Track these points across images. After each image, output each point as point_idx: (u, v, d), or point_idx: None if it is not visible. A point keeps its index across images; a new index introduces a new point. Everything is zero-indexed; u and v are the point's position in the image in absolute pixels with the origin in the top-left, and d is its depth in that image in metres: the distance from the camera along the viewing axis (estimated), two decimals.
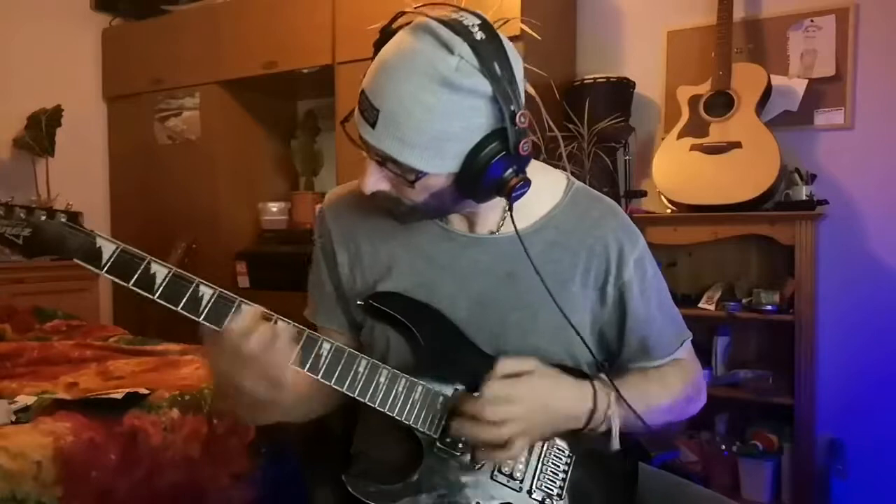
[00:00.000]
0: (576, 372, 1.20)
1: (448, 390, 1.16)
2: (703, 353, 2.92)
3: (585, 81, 3.06)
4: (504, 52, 1.03)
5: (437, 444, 1.15)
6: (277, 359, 1.01)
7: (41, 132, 3.81)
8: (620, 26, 3.30)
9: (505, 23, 2.58)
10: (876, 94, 2.82)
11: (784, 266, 2.81)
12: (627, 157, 3.13)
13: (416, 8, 1.06)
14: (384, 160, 1.06)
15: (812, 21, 2.91)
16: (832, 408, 2.83)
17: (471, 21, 1.02)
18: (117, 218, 4.38)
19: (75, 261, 1.01)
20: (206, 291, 1.04)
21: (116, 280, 1.02)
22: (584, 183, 1.33)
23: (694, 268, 3.08)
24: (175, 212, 3.99)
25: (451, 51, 1.00)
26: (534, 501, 1.17)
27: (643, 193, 3.05)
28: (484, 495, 1.15)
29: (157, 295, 1.03)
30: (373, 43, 1.09)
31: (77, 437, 1.59)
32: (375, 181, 1.09)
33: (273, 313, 1.04)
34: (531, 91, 2.55)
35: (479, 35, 1.01)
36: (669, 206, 2.91)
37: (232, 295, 1.05)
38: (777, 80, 2.89)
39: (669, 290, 1.34)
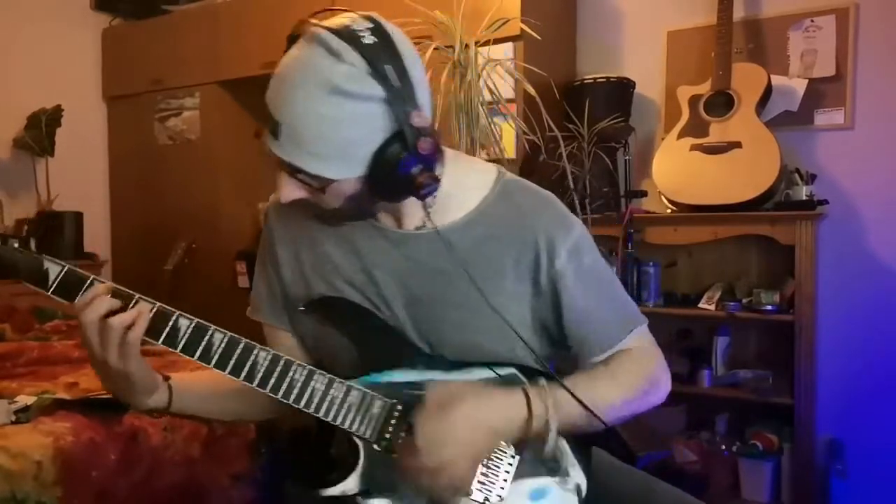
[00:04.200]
0: (506, 378, 1.18)
1: (384, 398, 1.16)
2: (703, 353, 2.93)
3: (585, 81, 3.06)
4: (396, 53, 1.04)
5: (374, 446, 1.15)
6: (114, 325, 1.08)
7: (41, 132, 3.82)
8: (620, 26, 3.30)
9: (505, 23, 2.58)
10: (876, 94, 2.83)
11: (784, 266, 2.81)
12: (627, 157, 3.13)
13: (311, 16, 1.09)
14: (294, 170, 1.08)
15: (812, 21, 2.91)
16: (832, 408, 2.84)
17: (361, 25, 1.04)
18: (117, 218, 4.38)
19: (24, 283, 1.10)
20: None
21: (61, 300, 1.12)
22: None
23: (694, 268, 3.08)
24: (175, 211, 3.99)
25: (340, 59, 1.01)
26: (472, 502, 1.15)
27: (643, 193, 3.05)
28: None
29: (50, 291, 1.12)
30: (283, 52, 1.11)
31: (77, 437, 1.59)
32: (290, 191, 1.12)
33: (133, 293, 1.12)
34: (531, 91, 2.55)
35: (368, 39, 1.03)
36: (669, 206, 2.91)
37: (86, 274, 1.13)
38: (777, 80, 2.89)
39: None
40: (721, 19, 2.86)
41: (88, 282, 1.11)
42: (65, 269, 1.11)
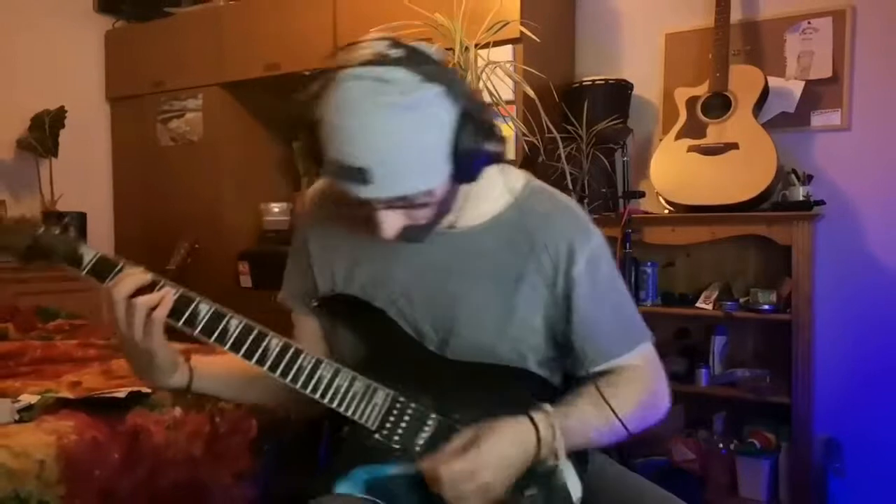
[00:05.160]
0: (510, 405, 1.19)
1: (387, 389, 1.20)
2: (701, 352, 2.94)
3: (584, 83, 3.07)
4: (423, 53, 1.09)
5: (375, 435, 1.19)
6: (140, 303, 1.14)
7: (45, 133, 3.82)
8: (619, 28, 3.31)
9: (504, 26, 2.59)
10: (873, 95, 2.84)
11: (781, 266, 2.82)
12: (625, 159, 3.14)
13: (326, 63, 1.11)
14: (394, 202, 1.10)
15: (809, 23, 2.92)
16: (829, 407, 2.85)
17: (381, 47, 1.07)
18: (120, 219, 4.40)
19: (61, 265, 1.21)
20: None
21: (94, 281, 1.21)
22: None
23: (691, 268, 3.10)
24: (178, 212, 4.00)
25: (387, 83, 1.03)
26: None
27: (641, 194, 3.07)
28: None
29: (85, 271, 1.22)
30: (306, 100, 1.12)
31: (80, 436, 1.60)
32: (392, 225, 1.13)
33: (160, 278, 1.19)
34: (530, 92, 2.57)
35: (396, 54, 1.06)
36: (667, 206, 2.93)
37: (117, 258, 1.22)
38: (774, 81, 2.90)
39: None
40: (718, 21, 2.86)
41: (119, 266, 1.20)
42: (98, 255, 1.20)
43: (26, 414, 1.70)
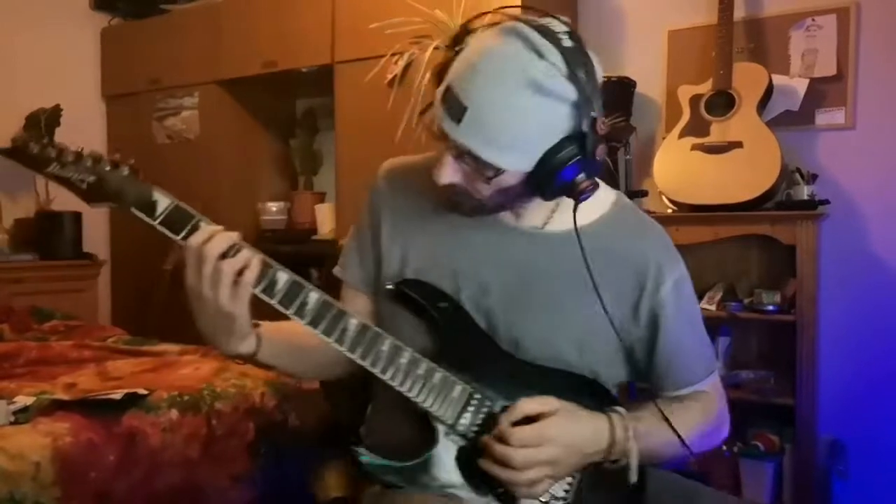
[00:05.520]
0: (597, 397, 1.21)
1: (463, 383, 1.17)
2: None
3: None
4: (589, 60, 1.08)
5: (451, 432, 1.16)
6: (228, 266, 1.07)
7: (40, 131, 3.80)
8: (621, 26, 3.29)
9: None
10: (877, 93, 2.82)
11: (785, 266, 2.80)
12: (628, 157, 3.12)
13: (501, 9, 1.12)
14: (462, 154, 1.10)
15: (813, 20, 2.90)
16: (834, 408, 2.83)
17: (559, 28, 1.07)
18: (116, 218, 4.37)
19: (132, 210, 1.10)
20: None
21: (167, 233, 1.12)
22: (622, 194, 1.34)
23: (695, 268, 2.99)
24: None
25: (541, 56, 1.04)
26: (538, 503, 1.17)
27: (644, 193, 3.05)
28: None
29: (158, 222, 1.12)
30: (452, 37, 1.14)
31: (76, 438, 1.59)
32: (451, 174, 1.13)
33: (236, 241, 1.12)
34: None
35: (567, 42, 1.06)
36: (670, 205, 2.90)
37: (193, 211, 1.14)
38: (778, 79, 2.88)
39: (702, 324, 1.34)
40: (722, 19, 2.84)
41: (196, 219, 1.13)
42: (173, 203, 1.12)
43: (22, 416, 1.69)
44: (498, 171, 1.09)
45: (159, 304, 3.88)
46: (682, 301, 1.27)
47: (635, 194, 3.03)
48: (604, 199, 1.28)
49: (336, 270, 1.37)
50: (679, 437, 1.19)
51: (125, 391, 1.78)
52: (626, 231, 1.27)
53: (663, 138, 2.99)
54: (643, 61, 3.22)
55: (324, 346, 1.15)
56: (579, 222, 1.17)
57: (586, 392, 1.21)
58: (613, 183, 3.05)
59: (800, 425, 2.65)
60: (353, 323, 1.13)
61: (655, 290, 1.23)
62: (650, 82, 3.19)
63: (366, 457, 1.15)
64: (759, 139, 2.72)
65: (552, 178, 1.08)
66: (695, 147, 2.81)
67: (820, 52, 2.89)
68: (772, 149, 2.69)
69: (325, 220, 3.77)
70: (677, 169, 2.84)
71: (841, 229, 2.83)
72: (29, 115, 3.82)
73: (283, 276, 1.11)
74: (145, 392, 1.81)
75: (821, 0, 2.89)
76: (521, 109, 1.05)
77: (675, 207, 2.89)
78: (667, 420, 1.19)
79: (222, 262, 1.07)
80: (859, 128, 2.84)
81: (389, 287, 1.24)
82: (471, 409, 1.17)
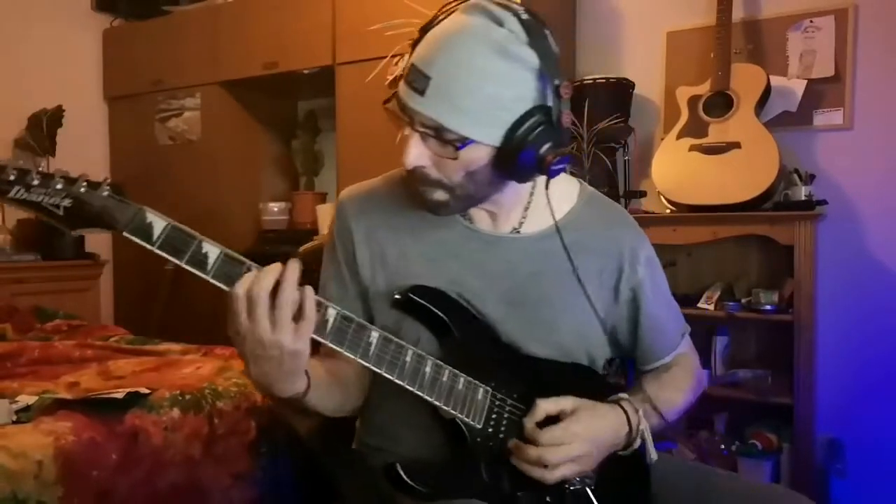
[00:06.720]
0: (598, 385, 1.26)
1: (484, 385, 1.18)
2: (703, 352, 2.91)
3: (585, 82, 3.06)
4: (547, 32, 1.11)
5: (480, 436, 1.17)
6: (284, 299, 0.98)
7: (42, 132, 3.82)
8: (620, 27, 3.30)
9: None
10: (875, 94, 2.83)
11: (783, 266, 2.81)
12: (627, 158, 3.13)
13: None
14: (429, 132, 1.09)
15: (811, 21, 2.91)
16: (831, 407, 2.84)
17: (517, 7, 1.10)
18: None
19: (125, 234, 0.97)
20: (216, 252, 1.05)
21: (167, 257, 1.00)
22: (584, 183, 1.37)
23: (693, 268, 3.09)
24: (176, 212, 3.86)
25: (501, 24, 1.07)
26: (568, 488, 1.20)
27: (642, 194, 3.06)
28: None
29: (210, 275, 1.01)
30: (419, 28, 1.15)
31: (78, 437, 1.59)
32: (417, 155, 1.12)
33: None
34: None
35: (525, 16, 1.09)
36: (669, 206, 2.91)
37: (241, 258, 1.04)
38: (776, 80, 2.89)
39: (668, 289, 1.41)
40: (720, 20, 2.86)
41: (198, 240, 1.03)
42: (170, 225, 1.01)
43: (24, 415, 1.69)
44: (464, 140, 1.08)
45: (161, 303, 3.90)
46: (655, 276, 1.34)
47: (634, 195, 3.04)
48: (570, 191, 1.33)
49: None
50: (664, 418, 1.30)
51: (127, 390, 1.79)
52: (597, 220, 1.32)
53: (662, 139, 3.00)
54: (642, 62, 3.23)
55: (352, 375, 1.18)
56: (556, 216, 1.20)
57: (589, 382, 1.26)
58: (612, 183, 3.07)
59: (798, 424, 2.65)
60: (375, 336, 1.09)
61: (633, 272, 1.30)
62: (649, 83, 3.20)
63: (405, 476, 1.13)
64: (757, 140, 2.72)
65: (520, 151, 1.08)
66: (693, 148, 2.82)
67: (818, 53, 2.90)
68: (770, 149, 2.70)
69: (326, 220, 3.78)
70: (676, 169, 2.85)
71: (839, 229, 2.84)
72: (31, 117, 3.83)
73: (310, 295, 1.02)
74: (147, 391, 1.82)
75: (819, 1, 2.90)
76: (485, 73, 1.05)
77: (673, 208, 2.90)
78: (656, 409, 1.28)
79: (279, 300, 0.98)
80: (857, 128, 2.85)
81: (397, 297, 1.22)
82: (495, 411, 1.18)
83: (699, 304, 2.85)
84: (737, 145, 2.74)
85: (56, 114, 3.84)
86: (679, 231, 2.86)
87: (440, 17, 1.13)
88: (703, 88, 2.87)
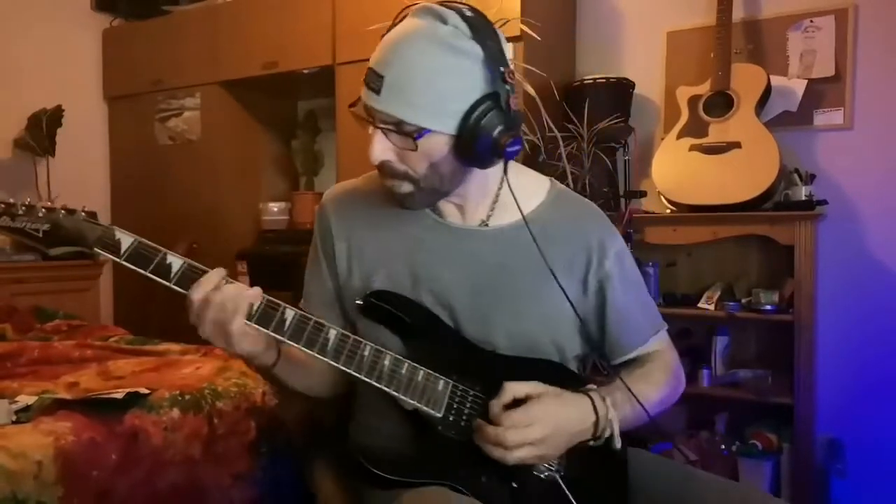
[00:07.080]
0: (566, 380, 1.27)
1: (445, 378, 1.23)
2: (703, 352, 2.93)
3: (585, 82, 3.06)
4: (492, 28, 1.18)
5: (442, 424, 1.21)
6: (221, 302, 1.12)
7: (42, 132, 3.82)
8: (620, 27, 3.30)
9: (505, 23, 2.58)
10: (875, 94, 2.83)
11: (783, 266, 2.81)
12: (627, 158, 3.13)
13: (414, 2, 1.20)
14: (389, 127, 1.16)
15: (811, 21, 2.91)
16: (832, 407, 2.84)
17: (461, 6, 1.18)
18: (118, 218, 4.37)
19: (95, 249, 1.13)
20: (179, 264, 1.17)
21: (134, 268, 1.14)
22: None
23: (693, 268, 3.08)
24: (176, 212, 3.99)
25: (446, 21, 1.15)
26: (537, 475, 1.23)
27: (643, 193, 3.05)
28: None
29: (173, 282, 1.14)
30: (380, 37, 1.21)
31: (78, 437, 1.59)
32: (381, 150, 1.20)
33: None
34: (531, 91, 2.55)
35: (468, 13, 1.17)
36: (669, 206, 2.91)
37: (203, 267, 1.17)
38: (776, 80, 2.89)
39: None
40: (720, 20, 2.86)
41: (162, 252, 1.17)
42: (136, 240, 1.16)
43: (24, 415, 1.69)
44: (420, 131, 1.14)
45: (161, 304, 3.90)
46: (624, 270, 1.37)
47: (634, 195, 3.04)
48: (539, 187, 1.39)
49: (301, 305, 1.40)
50: (643, 406, 1.27)
51: (127, 390, 1.78)
52: (566, 213, 1.36)
53: (662, 139, 3.00)
54: (642, 62, 3.23)
55: (322, 364, 1.20)
56: (525, 211, 1.25)
57: (556, 376, 1.27)
58: (612, 183, 3.06)
59: (798, 424, 2.65)
60: (332, 333, 1.18)
61: (600, 264, 1.34)
62: (649, 83, 3.20)
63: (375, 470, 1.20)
64: (757, 140, 2.72)
65: (475, 137, 1.15)
66: (693, 147, 2.82)
67: (818, 53, 2.90)
68: (770, 149, 2.70)
69: None
70: (676, 169, 2.85)
71: (839, 229, 2.84)
72: (31, 117, 3.83)
73: (257, 301, 1.15)
74: (147, 391, 1.82)
75: (819, 1, 2.90)
76: (434, 68, 1.13)
77: (673, 208, 2.90)
78: (631, 392, 1.27)
79: (220, 302, 1.12)
80: (857, 128, 2.85)
81: (359, 302, 1.30)
82: (457, 399, 1.23)
83: (699, 304, 2.85)
84: (737, 145, 2.74)
85: (56, 114, 3.84)
86: (679, 231, 2.87)
87: (396, 24, 1.20)
88: (704, 88, 2.87)
